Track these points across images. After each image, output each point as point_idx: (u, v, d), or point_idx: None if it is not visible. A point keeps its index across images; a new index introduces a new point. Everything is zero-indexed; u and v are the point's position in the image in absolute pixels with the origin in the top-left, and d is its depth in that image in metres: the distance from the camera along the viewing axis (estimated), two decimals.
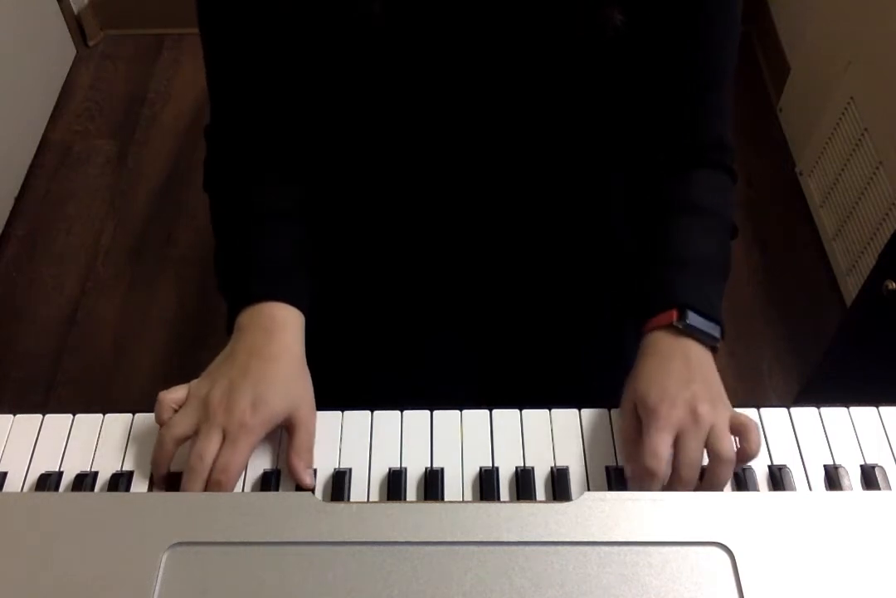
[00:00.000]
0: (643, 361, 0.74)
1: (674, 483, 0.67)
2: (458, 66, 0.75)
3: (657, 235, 0.81)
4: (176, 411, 0.71)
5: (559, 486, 0.68)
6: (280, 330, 0.74)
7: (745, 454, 0.68)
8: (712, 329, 0.74)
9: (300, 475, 0.69)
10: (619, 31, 0.71)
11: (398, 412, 0.73)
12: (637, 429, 0.70)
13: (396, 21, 0.71)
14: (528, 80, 0.75)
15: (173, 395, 0.71)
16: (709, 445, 0.67)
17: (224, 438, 0.68)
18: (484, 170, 0.83)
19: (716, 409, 0.68)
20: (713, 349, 0.74)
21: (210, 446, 0.67)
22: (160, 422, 0.70)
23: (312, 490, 0.68)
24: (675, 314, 0.73)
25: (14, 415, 0.73)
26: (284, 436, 0.71)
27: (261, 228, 0.81)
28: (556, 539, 0.58)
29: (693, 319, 0.73)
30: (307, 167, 0.87)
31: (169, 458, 0.69)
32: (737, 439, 0.69)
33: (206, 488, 0.67)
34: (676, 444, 0.67)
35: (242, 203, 0.83)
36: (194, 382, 0.73)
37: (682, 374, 0.70)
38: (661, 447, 0.66)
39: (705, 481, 0.67)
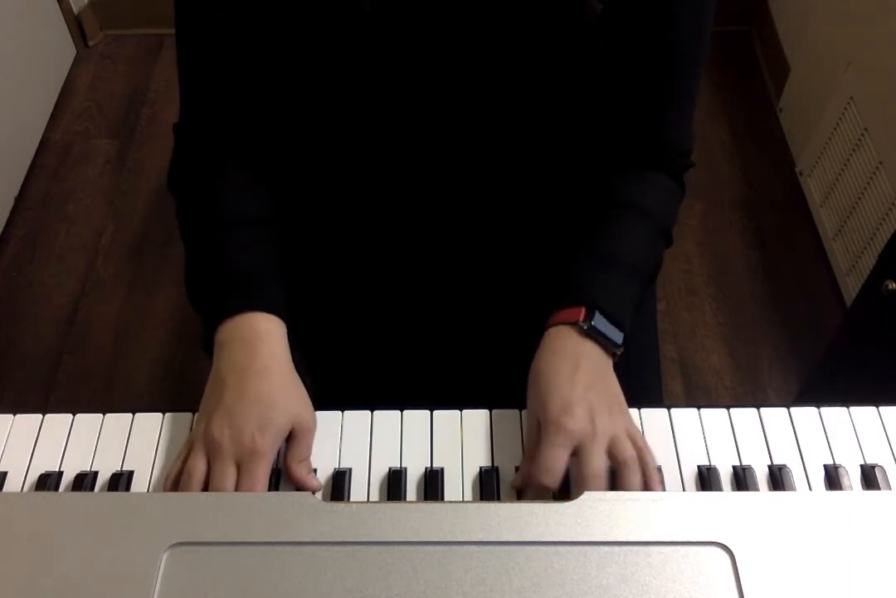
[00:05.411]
0: (542, 357, 0.72)
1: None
2: (439, 58, 0.75)
3: (593, 228, 0.80)
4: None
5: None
6: (263, 341, 0.71)
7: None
8: (616, 336, 0.73)
9: (304, 482, 0.67)
10: (597, 23, 0.71)
11: (398, 412, 0.73)
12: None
13: (378, 14, 0.71)
14: (506, 72, 0.75)
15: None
16: (610, 453, 0.66)
17: (238, 468, 0.66)
18: (462, 167, 0.83)
19: (613, 418, 0.68)
20: (613, 356, 0.73)
21: (227, 483, 0.65)
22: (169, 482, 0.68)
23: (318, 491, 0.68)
24: (582, 313, 0.72)
25: (14, 415, 0.73)
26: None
27: (230, 237, 0.78)
28: (556, 539, 0.58)
29: (599, 321, 0.72)
30: (281, 167, 0.87)
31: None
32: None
33: None
34: (579, 456, 0.66)
35: (209, 209, 0.80)
36: (193, 430, 0.70)
37: (582, 380, 0.69)
38: (557, 464, 0.65)
39: (619, 488, 0.66)
